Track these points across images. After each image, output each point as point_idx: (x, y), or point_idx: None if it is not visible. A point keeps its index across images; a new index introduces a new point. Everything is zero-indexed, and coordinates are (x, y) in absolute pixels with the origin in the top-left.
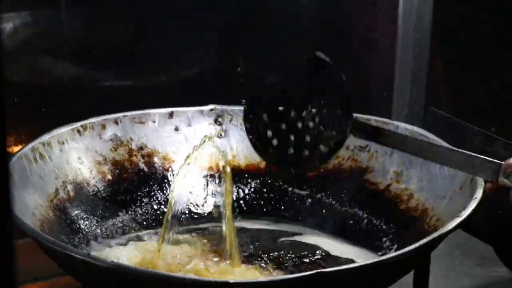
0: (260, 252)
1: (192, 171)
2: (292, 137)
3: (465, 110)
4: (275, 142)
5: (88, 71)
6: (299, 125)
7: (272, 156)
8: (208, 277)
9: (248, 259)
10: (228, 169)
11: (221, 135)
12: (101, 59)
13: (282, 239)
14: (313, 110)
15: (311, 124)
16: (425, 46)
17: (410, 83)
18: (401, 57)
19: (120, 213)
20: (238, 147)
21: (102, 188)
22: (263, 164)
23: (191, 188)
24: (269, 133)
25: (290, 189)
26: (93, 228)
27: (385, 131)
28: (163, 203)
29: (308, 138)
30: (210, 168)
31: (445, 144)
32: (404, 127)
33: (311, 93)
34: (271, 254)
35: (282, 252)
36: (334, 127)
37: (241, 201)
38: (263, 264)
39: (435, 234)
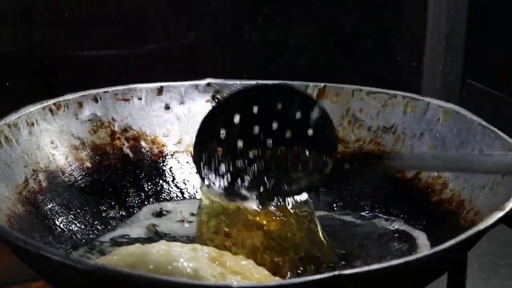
0: None
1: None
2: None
3: (508, 83)
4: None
5: (62, 38)
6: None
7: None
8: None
9: None
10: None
11: None
12: (77, 23)
13: None
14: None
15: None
16: (461, 8)
17: (444, 51)
18: (434, 20)
19: (101, 207)
20: None
21: (80, 177)
22: None
23: None
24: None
25: None
26: (70, 224)
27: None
28: (151, 195)
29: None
30: None
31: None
32: (436, 104)
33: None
34: None
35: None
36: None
37: None
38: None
39: (473, 230)
